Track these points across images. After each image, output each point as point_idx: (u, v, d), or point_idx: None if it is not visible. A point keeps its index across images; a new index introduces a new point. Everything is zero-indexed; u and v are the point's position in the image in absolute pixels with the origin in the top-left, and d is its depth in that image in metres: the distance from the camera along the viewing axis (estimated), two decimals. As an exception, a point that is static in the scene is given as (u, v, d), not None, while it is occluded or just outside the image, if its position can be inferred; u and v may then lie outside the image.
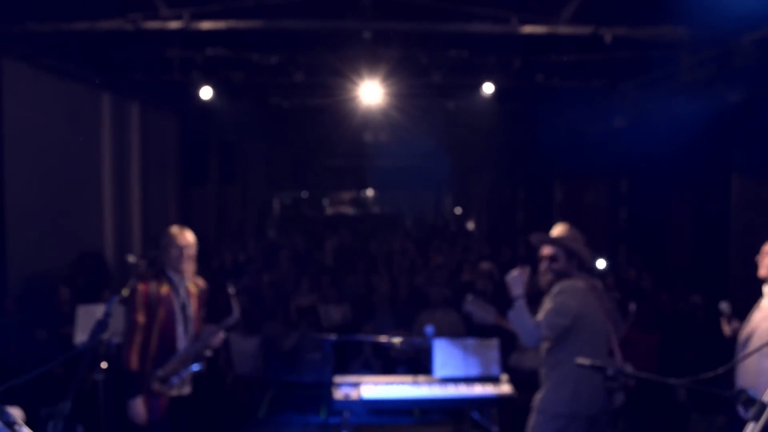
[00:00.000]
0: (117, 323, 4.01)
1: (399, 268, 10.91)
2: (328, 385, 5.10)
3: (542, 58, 8.86)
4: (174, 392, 4.14)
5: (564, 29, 7.55)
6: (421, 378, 5.39)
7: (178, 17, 7.47)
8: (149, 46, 8.32)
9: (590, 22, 7.42)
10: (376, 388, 5.20)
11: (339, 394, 5.06)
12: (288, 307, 8.41)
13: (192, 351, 4.15)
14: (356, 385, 5.21)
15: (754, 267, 4.24)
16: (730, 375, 4.13)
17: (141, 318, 3.96)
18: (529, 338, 3.87)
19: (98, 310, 6.45)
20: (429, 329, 5.08)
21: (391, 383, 5.32)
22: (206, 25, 7.55)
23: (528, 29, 7.51)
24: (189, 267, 4.20)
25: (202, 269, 10.73)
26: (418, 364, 6.97)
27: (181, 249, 4.13)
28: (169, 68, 9.66)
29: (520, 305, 3.87)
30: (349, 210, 32.59)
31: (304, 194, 31.50)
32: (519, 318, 3.87)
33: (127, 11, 7.21)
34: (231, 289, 4.54)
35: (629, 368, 3.76)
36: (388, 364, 7.16)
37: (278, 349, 7.55)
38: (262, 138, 21.07)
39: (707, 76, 7.90)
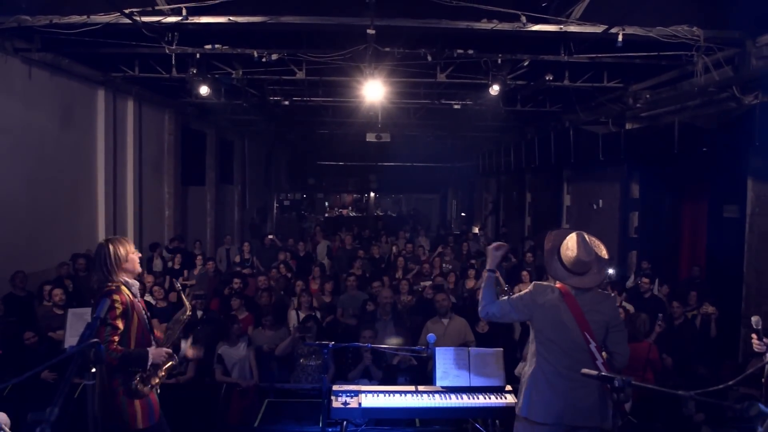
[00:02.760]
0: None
1: (402, 274, 10.67)
2: (327, 393, 4.88)
3: (551, 57, 8.62)
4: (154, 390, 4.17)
5: (574, 28, 7.36)
6: (422, 387, 5.19)
7: (176, 11, 7.29)
8: (146, 41, 8.10)
9: (601, 21, 7.23)
10: (376, 397, 5.01)
11: (338, 402, 4.86)
12: (284, 313, 8.18)
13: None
14: (356, 393, 5.01)
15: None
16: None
17: (120, 324, 3.87)
18: (481, 306, 4.21)
19: (89, 314, 6.26)
20: (431, 337, 4.86)
21: (392, 392, 5.12)
22: (205, 19, 7.36)
23: (537, 28, 7.32)
24: (139, 271, 4.26)
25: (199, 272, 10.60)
26: (419, 373, 6.76)
27: (135, 254, 4.17)
28: (166, 64, 9.48)
29: (490, 277, 4.29)
30: (350, 212, 32.45)
31: (305, 196, 31.32)
32: (487, 287, 4.26)
33: (124, 5, 7.00)
34: (178, 285, 4.70)
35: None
36: (388, 372, 6.95)
37: (270, 355, 7.34)
38: (262, 137, 20.91)
39: (722, 78, 7.69)
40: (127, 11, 7.02)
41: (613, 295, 4.41)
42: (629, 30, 7.26)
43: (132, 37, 8.06)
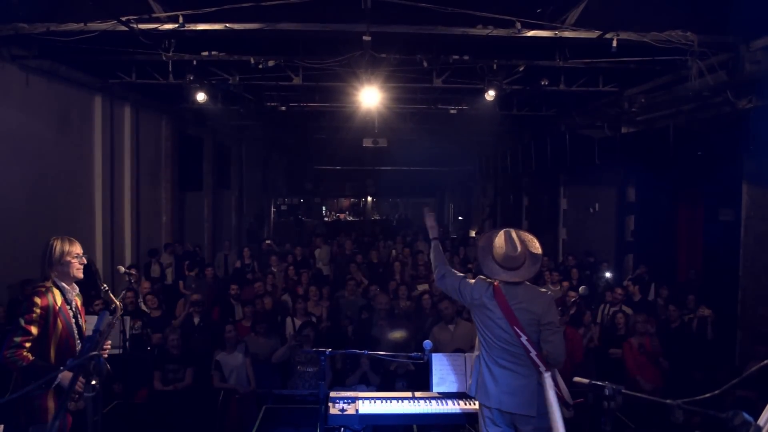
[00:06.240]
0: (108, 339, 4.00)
1: (399, 279, 10.67)
2: (324, 400, 4.89)
3: (547, 62, 8.65)
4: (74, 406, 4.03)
5: (569, 33, 7.38)
6: (419, 393, 5.22)
7: (173, 19, 7.30)
8: (143, 48, 8.11)
9: (596, 26, 7.25)
10: (373, 403, 5.02)
11: (335, 409, 4.87)
12: (282, 319, 8.18)
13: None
14: (353, 400, 5.03)
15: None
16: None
17: (34, 329, 3.80)
18: (439, 274, 4.54)
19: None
20: (427, 343, 4.84)
21: (389, 398, 5.14)
22: (202, 27, 7.37)
23: (532, 33, 7.34)
24: (80, 278, 4.15)
25: (197, 277, 10.60)
26: (417, 378, 6.78)
27: (77, 260, 4.08)
28: (163, 70, 9.50)
29: (437, 244, 4.71)
30: (348, 217, 32.44)
31: (302, 201, 31.31)
32: (437, 253, 4.65)
33: (121, 12, 7.00)
34: (104, 287, 4.44)
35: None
36: (386, 378, 6.95)
37: (268, 362, 7.35)
38: (259, 142, 20.90)
39: (716, 83, 7.72)
40: (124, 19, 7.02)
41: (549, 293, 4.45)
42: (624, 35, 7.27)
43: (129, 44, 8.06)
